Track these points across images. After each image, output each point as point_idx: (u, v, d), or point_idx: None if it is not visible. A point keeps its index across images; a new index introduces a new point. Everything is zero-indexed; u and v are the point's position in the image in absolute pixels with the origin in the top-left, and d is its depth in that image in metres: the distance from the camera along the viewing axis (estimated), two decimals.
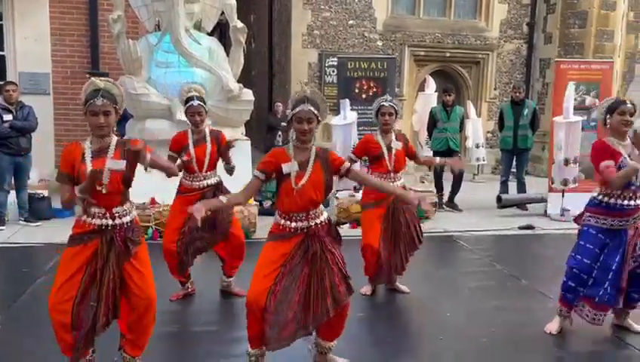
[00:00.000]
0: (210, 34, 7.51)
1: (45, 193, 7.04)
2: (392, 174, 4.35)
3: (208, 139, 4.21)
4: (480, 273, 5.31)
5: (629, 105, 3.48)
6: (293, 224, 2.94)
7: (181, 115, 6.38)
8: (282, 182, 2.93)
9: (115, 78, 7.65)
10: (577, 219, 3.84)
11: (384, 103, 4.38)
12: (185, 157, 4.11)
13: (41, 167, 7.58)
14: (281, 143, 10.15)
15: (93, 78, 2.86)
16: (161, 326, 3.26)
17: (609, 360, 3.59)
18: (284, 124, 10.05)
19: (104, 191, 2.75)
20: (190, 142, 4.16)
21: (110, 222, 2.80)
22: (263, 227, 6.48)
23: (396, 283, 4.59)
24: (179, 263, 4.21)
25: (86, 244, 2.80)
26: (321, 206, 3.04)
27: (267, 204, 7.29)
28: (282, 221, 2.97)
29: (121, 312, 2.91)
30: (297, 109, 2.86)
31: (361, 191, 5.04)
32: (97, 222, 2.80)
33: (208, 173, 4.22)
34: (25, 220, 6.71)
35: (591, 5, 11.28)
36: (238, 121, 7.08)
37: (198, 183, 4.18)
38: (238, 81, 7.17)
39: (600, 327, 3.74)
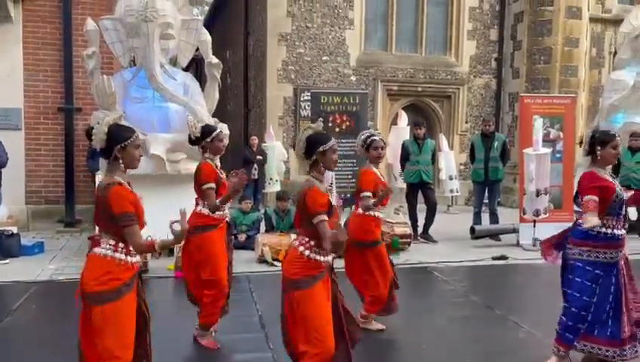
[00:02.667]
0: (186, 69, 7.58)
1: (14, 230, 6.89)
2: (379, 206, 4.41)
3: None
4: (455, 304, 5.34)
5: (619, 139, 3.60)
6: (327, 258, 3.03)
7: (155, 150, 6.40)
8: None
9: (89, 113, 7.69)
10: (551, 253, 3.78)
11: (376, 137, 4.42)
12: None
13: (11, 204, 7.43)
14: (257, 177, 10.19)
15: (112, 116, 2.82)
16: None
17: None
18: (259, 157, 10.11)
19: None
20: (219, 170, 4.13)
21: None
22: (237, 261, 6.44)
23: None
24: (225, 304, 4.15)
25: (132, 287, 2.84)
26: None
27: (242, 237, 7.26)
28: (318, 257, 3.00)
29: None
30: (331, 143, 3.06)
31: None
32: (135, 260, 2.81)
33: None
34: None
35: (555, 42, 11.77)
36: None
37: (226, 212, 4.15)
38: (214, 116, 7.20)
39: (574, 359, 3.78)
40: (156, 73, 6.54)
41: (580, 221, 3.57)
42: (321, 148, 3.04)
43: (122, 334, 2.66)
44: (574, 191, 3.78)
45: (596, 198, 3.42)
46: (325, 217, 2.94)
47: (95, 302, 2.63)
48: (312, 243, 2.98)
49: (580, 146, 3.76)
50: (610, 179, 3.56)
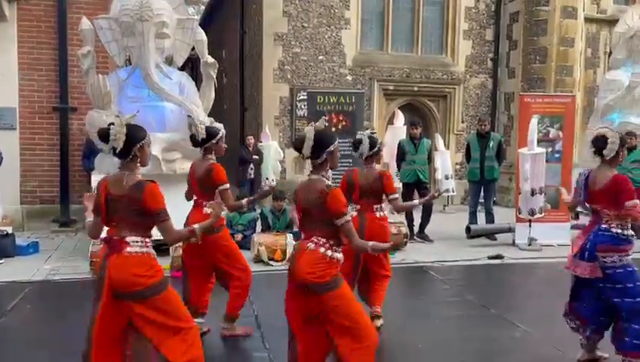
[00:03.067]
0: (182, 69, 7.56)
1: (9, 230, 6.86)
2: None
3: None
4: (450, 303, 5.35)
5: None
6: (341, 255, 3.04)
7: (152, 150, 6.38)
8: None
9: (84, 112, 7.66)
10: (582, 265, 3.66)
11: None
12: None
13: (6, 203, 7.40)
14: (252, 176, 10.17)
15: (124, 119, 2.88)
16: None
17: None
18: (256, 157, 10.09)
19: None
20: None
21: None
22: None
23: None
24: None
25: None
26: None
27: (238, 237, 7.25)
28: (338, 255, 2.99)
29: None
30: (337, 142, 3.07)
31: None
32: None
33: None
34: None
35: (550, 42, 11.79)
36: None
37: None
38: (210, 115, 7.19)
39: (568, 357, 3.79)
40: (152, 72, 6.53)
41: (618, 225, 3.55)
42: (331, 148, 3.02)
43: (181, 310, 2.91)
44: (582, 193, 3.74)
45: (637, 201, 3.46)
46: (350, 217, 2.97)
47: (153, 294, 2.78)
48: (332, 242, 2.95)
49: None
50: None
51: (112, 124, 2.80)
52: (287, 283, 3.07)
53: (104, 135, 2.82)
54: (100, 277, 2.83)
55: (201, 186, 4.16)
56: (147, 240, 2.84)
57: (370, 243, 2.99)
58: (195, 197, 4.27)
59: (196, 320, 4.10)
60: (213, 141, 4.17)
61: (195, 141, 4.17)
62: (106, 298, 2.76)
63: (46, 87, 8.47)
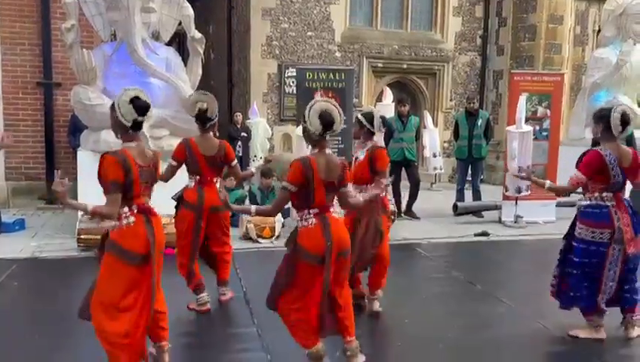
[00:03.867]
0: (168, 44, 7.44)
1: None
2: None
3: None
4: (437, 279, 5.41)
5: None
6: None
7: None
8: None
9: (69, 88, 7.53)
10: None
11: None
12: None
13: None
14: (241, 153, 10.12)
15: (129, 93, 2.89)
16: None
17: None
18: (244, 134, 10.03)
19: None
20: None
21: None
22: None
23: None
24: None
25: None
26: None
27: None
28: None
29: None
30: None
31: None
32: None
33: None
34: None
35: (540, 19, 11.76)
36: (195, 131, 7.01)
37: None
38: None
39: (551, 333, 3.88)
40: (138, 48, 6.42)
41: None
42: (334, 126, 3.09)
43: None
44: (618, 174, 3.71)
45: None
46: None
47: None
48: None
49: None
50: None
51: (137, 97, 2.91)
52: (313, 261, 3.04)
53: (143, 108, 2.92)
54: None
55: (211, 163, 4.24)
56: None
57: (362, 196, 3.29)
58: (197, 176, 4.24)
59: (203, 294, 4.19)
60: (216, 119, 4.27)
61: (204, 119, 4.21)
62: None
63: (29, 62, 8.30)
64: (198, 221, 4.16)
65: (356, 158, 4.34)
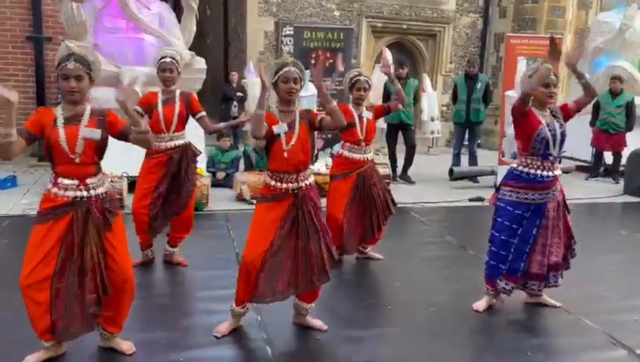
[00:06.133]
0: None
1: None
2: (362, 144, 4.38)
3: (178, 99, 4.19)
4: (430, 244, 5.42)
5: (552, 78, 3.57)
6: (284, 185, 3.05)
7: (129, 83, 6.18)
8: (272, 144, 3.05)
9: (59, 42, 7.34)
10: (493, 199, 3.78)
11: (359, 78, 4.34)
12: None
13: None
14: (237, 114, 9.99)
15: (66, 42, 2.72)
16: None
17: (550, 327, 3.75)
18: (240, 94, 9.87)
19: (77, 161, 2.65)
20: (159, 101, 4.14)
21: (85, 193, 2.69)
22: (215, 199, 6.42)
23: (369, 252, 4.73)
24: (149, 228, 4.19)
25: (58, 219, 2.66)
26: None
27: (221, 175, 7.20)
28: (273, 182, 3.07)
29: None
30: (284, 70, 2.99)
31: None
32: (71, 194, 2.67)
33: (176, 133, 4.18)
34: None
35: None
36: (189, 90, 6.89)
37: (165, 144, 4.13)
38: (192, 49, 6.96)
39: (535, 300, 3.89)
40: (129, 1, 6.24)
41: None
42: None
43: (30, 257, 2.81)
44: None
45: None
46: None
47: None
48: None
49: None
50: (540, 118, 3.54)
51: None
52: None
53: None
54: None
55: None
56: None
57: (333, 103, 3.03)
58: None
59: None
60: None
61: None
62: None
63: (18, 15, 8.09)
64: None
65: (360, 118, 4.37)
